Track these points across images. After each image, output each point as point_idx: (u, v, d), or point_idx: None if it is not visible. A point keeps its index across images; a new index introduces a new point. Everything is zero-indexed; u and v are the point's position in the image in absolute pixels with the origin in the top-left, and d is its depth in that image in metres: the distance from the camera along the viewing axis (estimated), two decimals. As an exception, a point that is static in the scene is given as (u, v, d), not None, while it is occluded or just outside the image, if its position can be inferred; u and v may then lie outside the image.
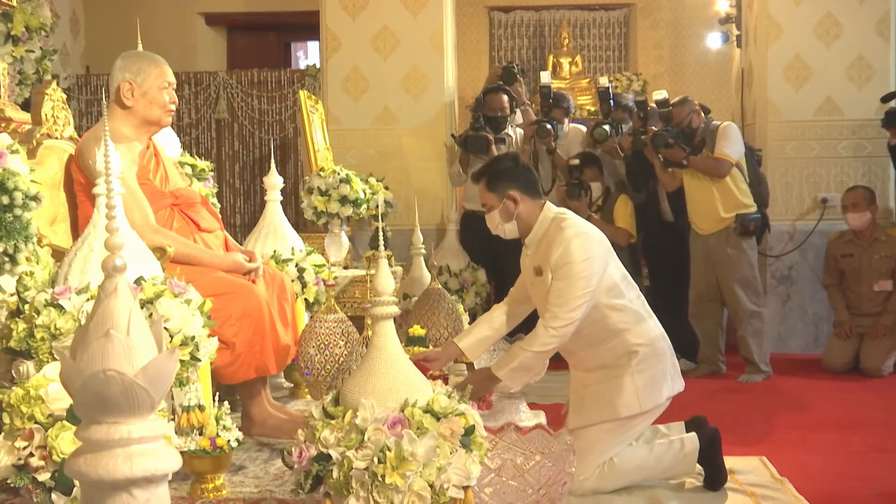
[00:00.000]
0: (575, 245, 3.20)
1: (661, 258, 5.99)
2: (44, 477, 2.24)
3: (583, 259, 3.18)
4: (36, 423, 2.26)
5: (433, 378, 2.83)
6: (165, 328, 2.63)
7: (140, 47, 3.76)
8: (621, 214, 5.78)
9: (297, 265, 3.97)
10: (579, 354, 3.40)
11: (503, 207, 3.36)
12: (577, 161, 5.80)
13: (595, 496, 3.22)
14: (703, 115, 5.64)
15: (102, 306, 1.34)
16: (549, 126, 5.83)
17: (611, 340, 3.30)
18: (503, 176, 3.37)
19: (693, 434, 3.39)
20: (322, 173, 5.28)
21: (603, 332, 3.29)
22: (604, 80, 6.26)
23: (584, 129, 6.34)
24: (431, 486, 2.06)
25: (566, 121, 6.29)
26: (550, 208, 3.38)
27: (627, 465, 3.27)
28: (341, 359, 3.26)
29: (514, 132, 6.19)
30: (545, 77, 5.97)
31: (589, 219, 5.66)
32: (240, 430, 2.85)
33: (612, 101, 6.01)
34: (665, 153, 5.53)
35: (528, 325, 6.14)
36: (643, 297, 3.42)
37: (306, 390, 4.00)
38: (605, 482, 3.24)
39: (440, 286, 4.49)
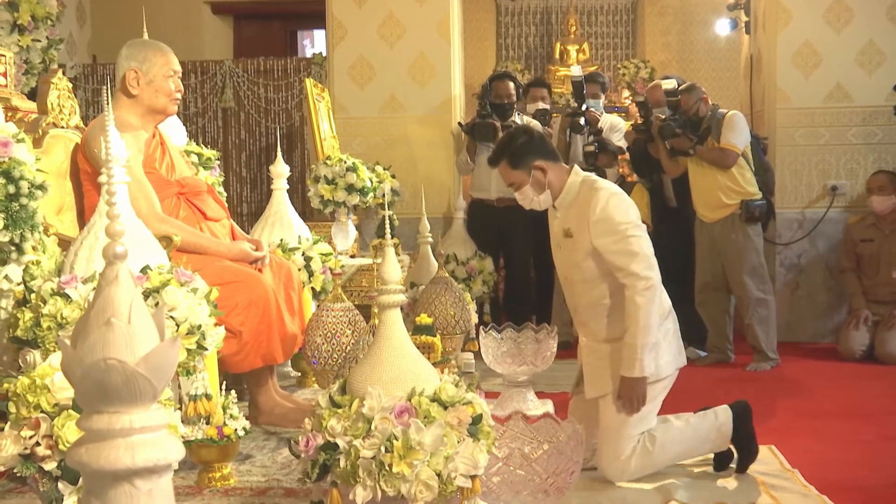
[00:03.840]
0: (613, 203, 3.25)
1: (667, 246, 5.94)
2: (50, 466, 2.24)
3: (623, 218, 3.25)
4: (42, 412, 2.26)
5: None
6: (172, 317, 2.63)
7: (146, 36, 3.75)
8: (637, 204, 5.72)
9: (303, 254, 3.96)
10: (593, 324, 3.37)
11: (534, 180, 3.35)
12: (592, 147, 5.78)
13: (603, 484, 3.21)
14: (709, 102, 5.59)
15: (103, 294, 1.33)
16: (582, 122, 5.83)
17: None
18: (524, 150, 3.37)
19: (724, 406, 3.39)
20: (328, 162, 5.27)
21: (623, 303, 3.27)
22: (576, 70, 6.18)
23: (622, 121, 6.32)
24: (439, 475, 2.05)
25: (602, 97, 6.27)
26: (579, 171, 3.39)
27: (667, 437, 3.25)
28: (348, 348, 3.26)
29: (521, 119, 6.16)
30: (576, 70, 5.99)
31: None
32: (247, 419, 2.85)
33: (584, 90, 5.90)
34: (672, 142, 5.49)
35: (539, 313, 6.11)
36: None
37: (313, 379, 4.00)
38: (650, 458, 3.21)
39: (447, 275, 4.48)
